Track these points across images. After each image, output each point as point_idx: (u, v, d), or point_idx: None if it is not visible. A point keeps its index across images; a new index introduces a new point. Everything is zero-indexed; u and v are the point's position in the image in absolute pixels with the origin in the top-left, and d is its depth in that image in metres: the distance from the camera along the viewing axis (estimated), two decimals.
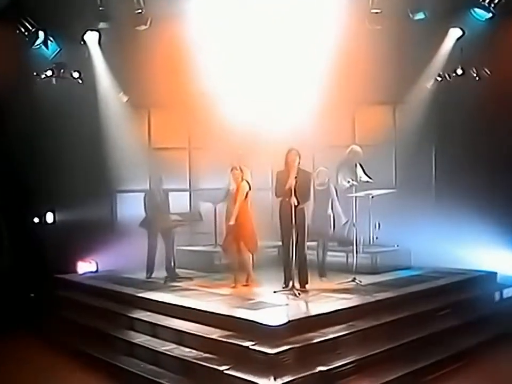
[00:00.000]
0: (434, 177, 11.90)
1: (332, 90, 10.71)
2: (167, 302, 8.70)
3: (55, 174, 11.11)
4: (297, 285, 8.84)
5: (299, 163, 8.66)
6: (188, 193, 12.28)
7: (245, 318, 7.61)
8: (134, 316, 8.63)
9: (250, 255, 9.34)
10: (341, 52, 10.60)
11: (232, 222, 9.12)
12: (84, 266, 11.60)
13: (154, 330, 8.19)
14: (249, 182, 9.38)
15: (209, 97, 10.90)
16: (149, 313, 8.62)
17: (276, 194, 8.85)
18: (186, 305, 8.40)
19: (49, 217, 11.64)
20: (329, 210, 9.75)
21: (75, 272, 11.45)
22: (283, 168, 8.74)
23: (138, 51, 10.91)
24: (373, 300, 8.50)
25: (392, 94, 11.61)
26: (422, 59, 11.43)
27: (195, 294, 9.16)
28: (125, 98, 11.77)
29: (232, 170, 9.39)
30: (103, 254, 11.23)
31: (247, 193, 9.22)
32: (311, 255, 9.63)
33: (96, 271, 11.50)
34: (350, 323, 7.77)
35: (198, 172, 12.19)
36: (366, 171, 10.80)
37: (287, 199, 8.56)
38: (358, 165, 10.59)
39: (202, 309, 8.18)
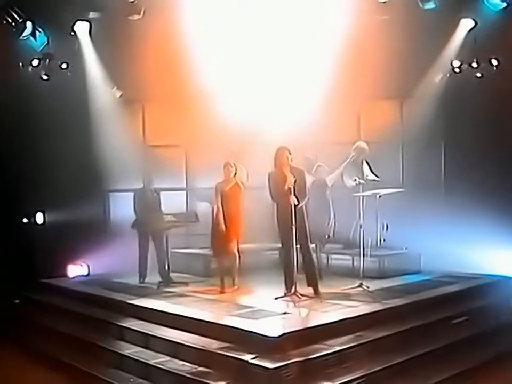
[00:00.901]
0: (444, 175, 11.39)
1: (336, 84, 10.27)
2: (160, 309, 8.09)
3: (45, 172, 10.66)
4: (300, 291, 8.24)
5: (291, 160, 8.18)
6: (184, 192, 11.80)
7: (244, 328, 6.99)
8: (124, 324, 8.01)
9: (237, 257, 8.81)
10: (345, 44, 10.12)
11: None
12: (75, 270, 11.08)
13: (146, 340, 7.56)
14: (244, 181, 9.04)
15: (206, 91, 10.57)
16: (140, 322, 8.01)
17: (272, 198, 8.31)
18: (180, 314, 7.81)
19: (39, 218, 11.19)
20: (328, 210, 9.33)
21: (65, 275, 10.91)
22: (274, 169, 8.24)
23: (131, 42, 10.38)
24: (382, 307, 7.89)
25: (399, 88, 11.04)
26: (432, 51, 10.90)
27: (190, 301, 8.58)
28: (118, 94, 11.29)
29: (225, 166, 8.85)
30: (95, 256, 10.70)
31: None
32: None
33: (88, 274, 10.98)
34: (358, 333, 7.16)
35: (195, 170, 11.68)
36: (372, 169, 10.25)
37: (286, 200, 8.02)
38: (364, 163, 10.04)
39: (197, 317, 7.58)
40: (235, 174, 8.85)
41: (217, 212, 8.73)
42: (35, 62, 10.34)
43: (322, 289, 8.57)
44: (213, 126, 10.84)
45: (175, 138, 11.49)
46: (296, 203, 8.00)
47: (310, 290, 8.40)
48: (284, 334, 6.68)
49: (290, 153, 8.17)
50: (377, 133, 11.00)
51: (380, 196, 9.41)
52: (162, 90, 10.61)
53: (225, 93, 10.72)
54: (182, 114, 11.27)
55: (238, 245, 8.84)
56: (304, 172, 8.34)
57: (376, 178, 9.90)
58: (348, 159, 9.93)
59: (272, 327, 6.94)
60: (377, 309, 7.81)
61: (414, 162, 11.25)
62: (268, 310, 7.79)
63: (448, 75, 10.99)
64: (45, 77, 10.44)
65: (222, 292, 8.89)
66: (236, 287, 8.93)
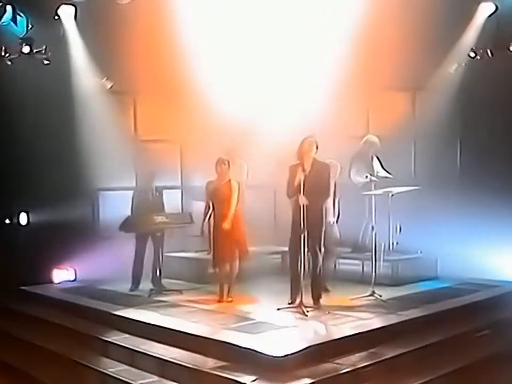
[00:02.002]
0: (460, 173, 10.65)
1: (343, 74, 9.59)
2: (149, 322, 7.24)
3: (30, 170, 9.89)
4: (306, 301, 7.46)
5: (316, 153, 7.48)
6: (179, 191, 11.02)
7: (242, 345, 6.16)
8: (109, 339, 7.15)
9: (237, 265, 8.11)
10: (353, 32, 9.50)
11: (227, 226, 7.91)
12: (61, 275, 10.23)
13: (132, 358, 6.72)
14: (244, 179, 8.53)
15: (203, 82, 9.80)
16: (126, 335, 7.16)
17: (287, 194, 7.57)
18: (171, 327, 6.97)
19: (23, 218, 10.38)
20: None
21: (50, 280, 10.09)
22: (296, 161, 7.50)
23: (121, 28, 9.53)
24: (397, 320, 7.09)
25: (411, 79, 10.34)
26: (447, 39, 10.12)
27: (183, 311, 7.77)
28: (109, 85, 10.45)
29: (217, 163, 8.07)
30: (83, 260, 9.87)
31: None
32: None
33: (74, 279, 10.17)
34: (372, 350, 6.37)
35: (190, 167, 10.93)
36: (383, 165, 9.60)
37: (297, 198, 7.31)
38: (374, 158, 9.31)
39: (190, 332, 6.76)
40: (227, 172, 8.10)
41: (204, 213, 8.12)
42: (15, 49, 9.42)
43: (330, 299, 7.92)
44: (210, 119, 10.15)
45: (169, 132, 10.72)
46: (306, 202, 7.22)
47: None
48: (290, 353, 5.88)
49: (317, 144, 7.46)
50: (388, 127, 10.30)
51: (392, 195, 8.64)
52: (155, 81, 9.92)
53: (223, 84, 10.05)
54: (177, 107, 10.51)
55: (242, 250, 8.10)
56: (329, 167, 7.62)
57: (388, 175, 9.26)
58: (356, 153, 9.26)
59: (275, 344, 6.17)
60: (393, 322, 7.02)
61: (427, 159, 10.56)
62: (270, 322, 7.03)
63: (464, 65, 10.24)
64: (25, 66, 9.51)
65: (220, 301, 8.14)
66: (230, 298, 8.17)
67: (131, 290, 8.94)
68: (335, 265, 9.34)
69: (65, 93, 9.89)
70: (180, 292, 8.74)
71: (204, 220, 8.15)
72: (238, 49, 9.94)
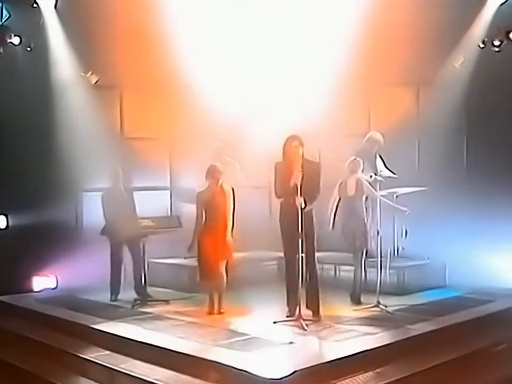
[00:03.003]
0: (467, 172, 10.03)
1: (343, 69, 9.17)
2: (131, 338, 6.52)
3: (7, 170, 9.44)
4: (304, 312, 6.86)
5: (302, 152, 6.98)
6: (167, 192, 10.43)
7: (234, 366, 5.47)
8: (86, 356, 6.44)
9: (224, 279, 7.50)
10: (353, 23, 9.00)
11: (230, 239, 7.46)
12: (41, 282, 9.58)
13: (112, 378, 6.07)
14: (238, 177, 8.24)
15: (194, 77, 9.35)
16: (106, 352, 6.48)
17: (276, 194, 7.11)
18: (156, 344, 6.25)
19: (1, 222, 9.83)
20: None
21: (30, 289, 9.45)
22: (282, 159, 7.08)
23: (106, 18, 9.00)
24: (407, 335, 6.40)
25: (415, 73, 9.80)
26: (454, 31, 9.51)
27: (170, 325, 7.09)
28: (94, 79, 9.92)
29: (209, 170, 7.50)
30: (65, 267, 9.28)
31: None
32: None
33: (56, 287, 9.50)
34: (378, 370, 5.72)
35: (180, 166, 10.35)
36: (386, 164, 9.00)
37: (291, 200, 6.76)
38: (378, 157, 8.77)
39: (176, 349, 6.05)
40: (219, 179, 7.50)
41: (195, 226, 7.45)
42: None
43: (330, 309, 7.31)
44: (202, 116, 9.75)
45: (157, 130, 10.23)
46: (303, 205, 6.71)
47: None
48: (287, 375, 5.20)
49: (302, 143, 6.96)
50: (390, 124, 9.75)
51: (397, 196, 8.26)
52: (143, 76, 9.48)
53: (214, 79, 9.56)
54: (165, 103, 10.15)
55: (230, 263, 7.54)
56: (320, 167, 7.13)
57: (392, 175, 8.64)
58: (358, 151, 8.57)
59: (270, 364, 5.52)
60: (402, 337, 6.32)
61: (431, 157, 9.93)
62: (266, 338, 6.36)
63: (471, 59, 9.71)
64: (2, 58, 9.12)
65: (210, 313, 7.47)
66: (222, 310, 7.54)
67: (112, 300, 8.35)
68: (335, 272, 8.99)
69: (44, 87, 9.36)
70: (166, 302, 8.12)
71: (195, 234, 7.46)
72: (231, 42, 9.51)
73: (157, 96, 10.00)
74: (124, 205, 8.38)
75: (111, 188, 8.62)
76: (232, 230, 7.52)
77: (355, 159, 7.94)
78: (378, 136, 8.85)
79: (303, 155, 6.93)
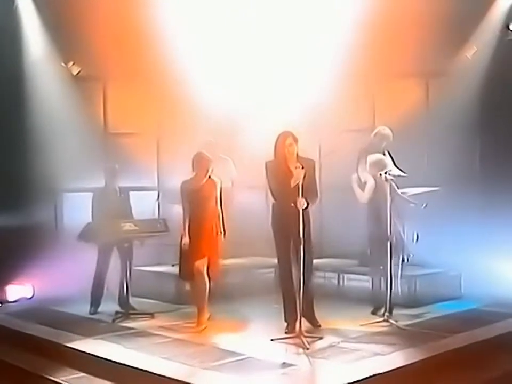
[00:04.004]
0: (480, 170, 9.55)
1: (345, 58, 8.82)
2: (109, 358, 5.81)
3: None
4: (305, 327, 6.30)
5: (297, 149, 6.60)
6: (155, 192, 9.83)
7: None
8: (58, 379, 5.74)
9: (206, 282, 6.91)
10: (358, 9, 8.64)
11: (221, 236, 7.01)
12: (16, 291, 8.95)
13: None
14: (232, 176, 7.96)
15: (183, 69, 9.04)
16: (81, 375, 5.79)
17: (273, 196, 6.64)
18: (137, 366, 5.54)
19: None
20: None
21: (4, 299, 8.83)
22: (274, 158, 6.68)
23: (88, 4, 8.73)
24: (422, 355, 5.65)
25: (425, 63, 9.38)
26: (468, 17, 9.03)
27: (154, 342, 6.40)
28: (76, 70, 9.51)
29: (195, 158, 7.04)
30: (43, 274, 8.67)
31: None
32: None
33: (32, 297, 8.87)
34: None
35: (169, 164, 9.82)
36: (395, 162, 8.32)
37: (289, 201, 6.26)
38: (386, 153, 8.14)
39: (161, 373, 5.34)
40: (209, 171, 7.05)
41: (183, 221, 6.98)
42: None
43: (334, 323, 6.74)
44: (192, 110, 9.36)
45: (144, 125, 9.85)
46: (304, 206, 6.21)
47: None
48: None
49: (296, 140, 6.54)
50: (397, 118, 9.23)
51: None
52: (128, 66, 9.15)
53: (206, 70, 9.19)
54: (153, 96, 9.73)
55: (213, 265, 6.95)
56: (314, 164, 6.69)
57: (402, 174, 7.97)
58: (365, 147, 8.11)
59: None
60: (417, 359, 5.58)
61: (442, 156, 9.40)
62: (262, 359, 5.71)
63: (485, 49, 9.25)
64: None
65: (202, 329, 6.82)
66: (203, 326, 6.84)
67: (91, 313, 7.74)
68: (339, 281, 8.36)
69: (21, 80, 8.85)
70: (150, 315, 7.47)
71: (185, 228, 6.94)
72: (224, 31, 9.13)
73: (143, 88, 9.62)
74: (119, 206, 7.85)
75: (105, 187, 8.08)
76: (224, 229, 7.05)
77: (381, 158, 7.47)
78: (387, 131, 8.33)
79: (297, 153, 6.51)
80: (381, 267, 7.04)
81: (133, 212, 8.04)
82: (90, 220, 7.81)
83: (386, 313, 6.73)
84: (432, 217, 8.34)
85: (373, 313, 7.17)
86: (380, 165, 7.34)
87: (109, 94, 9.88)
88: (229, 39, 9.09)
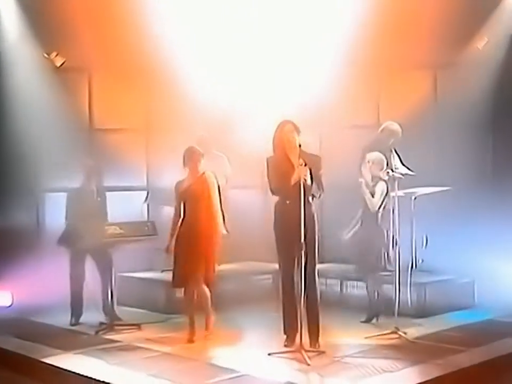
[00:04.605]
0: (493, 169, 9.37)
1: (348, 49, 8.67)
2: (90, 376, 5.43)
3: None
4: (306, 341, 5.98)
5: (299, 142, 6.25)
6: (144, 193, 9.61)
7: None
8: None
9: (207, 291, 6.66)
10: None
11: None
12: None
13: None
14: (226, 173, 7.77)
15: (175, 60, 8.84)
16: None
17: (272, 192, 6.32)
18: None
19: None
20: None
21: None
22: (273, 150, 6.42)
23: None
24: (436, 373, 5.30)
25: (433, 54, 9.20)
26: (480, 4, 8.91)
27: (140, 358, 6.04)
28: (59, 62, 9.28)
29: (185, 154, 6.78)
30: (23, 280, 8.43)
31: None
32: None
33: (11, 305, 8.55)
34: None
35: (159, 162, 9.66)
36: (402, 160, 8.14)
37: (292, 199, 5.98)
38: (393, 151, 7.85)
39: None
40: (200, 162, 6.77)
41: (172, 222, 6.76)
42: None
43: (337, 336, 6.48)
44: (184, 103, 9.13)
45: (132, 120, 9.70)
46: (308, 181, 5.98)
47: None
48: None
49: (298, 130, 6.18)
50: (402, 114, 9.04)
51: (415, 198, 7.45)
52: (115, 56, 8.99)
53: (200, 60, 9.09)
54: (142, 88, 9.56)
55: (210, 272, 6.64)
56: (320, 160, 6.33)
57: (409, 172, 7.82)
58: (370, 144, 7.92)
59: None
60: (431, 376, 5.24)
61: (451, 154, 9.28)
62: (259, 376, 5.39)
63: (499, 39, 9.06)
64: None
65: (190, 341, 6.52)
66: (209, 333, 6.64)
67: (72, 324, 7.46)
68: (341, 288, 8.20)
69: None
70: (138, 326, 7.18)
71: (173, 232, 6.69)
72: (220, 21, 9.01)
73: (132, 81, 9.44)
74: (95, 208, 7.60)
75: (80, 187, 7.85)
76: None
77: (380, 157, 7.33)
78: (395, 127, 8.17)
79: (300, 146, 6.15)
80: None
81: (118, 214, 7.80)
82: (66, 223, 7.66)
83: (395, 326, 6.42)
84: (442, 219, 8.30)
85: (366, 322, 7.06)
86: (379, 164, 7.24)
87: (95, 87, 9.69)
88: (225, 29, 8.97)
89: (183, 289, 6.71)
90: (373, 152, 7.45)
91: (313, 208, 6.17)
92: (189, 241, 6.51)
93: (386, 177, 7.01)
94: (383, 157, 7.33)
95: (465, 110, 8.99)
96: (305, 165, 5.85)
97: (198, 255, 6.49)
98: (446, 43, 9.02)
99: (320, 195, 6.21)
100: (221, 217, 6.66)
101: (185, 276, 6.51)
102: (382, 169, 7.10)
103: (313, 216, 6.13)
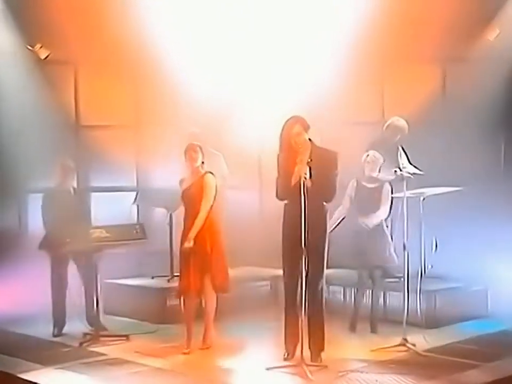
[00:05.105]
0: (505, 170, 9.19)
1: (351, 41, 8.57)
2: None
3: None
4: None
5: (310, 140, 6.03)
6: (133, 193, 9.37)
7: None
8: None
9: (215, 299, 6.60)
10: None
11: (189, 244, 6.40)
12: None
13: None
14: (223, 173, 7.56)
15: (166, 50, 8.78)
16: None
17: (276, 194, 6.16)
18: None
19: None
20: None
21: None
22: (280, 151, 6.19)
23: None
24: None
25: (441, 47, 9.02)
26: None
27: (128, 373, 5.83)
28: (44, 54, 9.14)
29: (187, 151, 6.65)
30: (3, 287, 8.31)
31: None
32: None
33: None
34: None
35: (149, 161, 9.56)
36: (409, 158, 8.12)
37: (295, 201, 5.77)
38: (400, 149, 7.82)
39: None
40: (202, 164, 6.65)
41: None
42: None
43: (340, 349, 6.24)
44: (177, 98, 9.07)
45: (121, 116, 9.60)
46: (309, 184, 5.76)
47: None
48: None
49: (305, 126, 5.96)
50: (408, 110, 8.90)
51: (424, 199, 7.10)
52: (103, 49, 8.87)
53: (194, 52, 9.00)
54: (131, 83, 9.50)
55: (218, 278, 6.53)
56: (336, 157, 6.11)
57: (417, 171, 7.71)
58: (376, 141, 7.86)
59: None
60: None
61: (460, 152, 9.15)
62: None
63: (510, 30, 8.88)
64: None
65: (185, 353, 6.33)
66: (207, 345, 6.50)
67: (54, 335, 7.26)
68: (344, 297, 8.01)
69: None
70: (126, 337, 6.98)
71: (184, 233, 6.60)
72: (214, 12, 8.94)
73: (120, 75, 9.37)
74: (73, 209, 7.40)
75: (56, 187, 7.74)
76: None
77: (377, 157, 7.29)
78: (402, 123, 8.09)
79: (311, 141, 5.96)
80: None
81: (106, 216, 7.72)
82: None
83: (403, 338, 6.21)
84: (453, 221, 8.17)
85: (351, 330, 6.99)
86: (374, 165, 7.20)
87: (81, 81, 9.56)
88: (221, 21, 8.92)
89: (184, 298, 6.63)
90: (375, 150, 7.36)
91: (325, 211, 5.98)
92: (188, 249, 6.40)
93: (393, 177, 6.86)
94: (380, 156, 7.27)
95: (475, 106, 8.85)
96: (310, 162, 5.66)
97: (199, 264, 6.38)
98: (455, 35, 8.90)
99: (328, 199, 6.01)
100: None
101: (188, 285, 6.37)
102: (378, 169, 7.09)
103: (324, 221, 5.96)
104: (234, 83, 9.21)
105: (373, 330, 7.02)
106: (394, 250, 7.20)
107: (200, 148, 6.64)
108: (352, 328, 7.03)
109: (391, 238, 7.35)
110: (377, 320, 7.06)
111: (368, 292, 7.27)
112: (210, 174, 6.67)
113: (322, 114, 9.30)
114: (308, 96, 8.83)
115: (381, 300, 7.37)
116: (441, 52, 9.28)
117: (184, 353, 6.28)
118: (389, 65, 9.53)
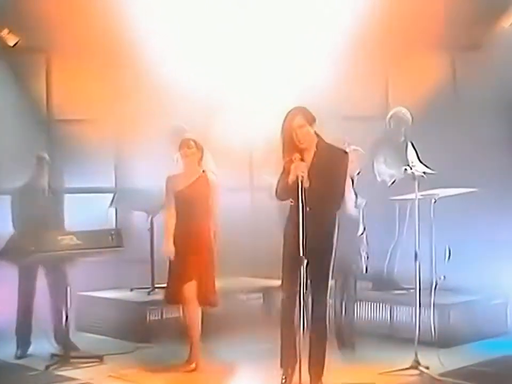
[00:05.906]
0: None
1: (352, 29, 8.58)
2: None
3: None
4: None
5: (315, 133, 5.67)
6: (111, 195, 9.20)
7: None
8: None
9: (200, 314, 6.44)
10: None
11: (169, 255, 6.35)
12: None
13: None
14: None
15: (148, 37, 8.72)
16: None
17: (276, 194, 5.86)
18: None
19: None
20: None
21: None
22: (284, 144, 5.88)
23: None
24: None
25: (451, 35, 9.03)
26: None
27: None
28: (13, 40, 8.97)
29: (182, 145, 6.49)
30: None
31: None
32: None
33: None
34: None
35: (129, 160, 9.44)
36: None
37: (294, 203, 5.58)
38: (409, 144, 7.84)
39: None
40: (200, 160, 6.54)
41: (165, 228, 6.53)
42: None
43: (341, 372, 5.86)
44: (159, 90, 8.93)
45: (98, 109, 9.28)
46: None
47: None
48: None
49: (310, 119, 5.59)
50: (415, 103, 8.82)
51: (435, 201, 6.83)
52: (79, 35, 8.70)
53: (178, 40, 8.87)
54: (110, 73, 9.21)
55: (206, 288, 6.40)
56: (345, 158, 5.78)
57: (428, 170, 7.60)
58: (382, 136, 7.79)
59: None
60: None
61: (471, 149, 8.95)
62: None
63: None
64: None
65: (193, 369, 6.17)
66: (192, 365, 6.22)
67: (17, 357, 6.92)
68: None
69: None
70: (99, 358, 6.65)
71: (168, 235, 6.47)
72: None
73: (98, 64, 9.10)
74: (47, 211, 7.16)
75: (27, 185, 7.47)
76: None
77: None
78: (403, 113, 7.99)
79: (318, 136, 5.63)
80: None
81: (80, 220, 7.37)
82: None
83: (414, 360, 5.89)
84: (468, 227, 8.07)
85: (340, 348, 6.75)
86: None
87: (55, 71, 9.37)
88: (210, 12, 8.82)
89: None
90: (381, 146, 7.30)
91: (332, 219, 5.62)
92: (181, 250, 6.29)
93: (403, 176, 6.73)
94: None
95: (487, 99, 8.77)
96: (314, 159, 5.38)
97: (190, 270, 6.28)
98: (466, 22, 8.83)
99: (335, 203, 5.64)
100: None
101: (177, 294, 6.28)
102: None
103: (329, 229, 5.62)
104: (225, 76, 9.14)
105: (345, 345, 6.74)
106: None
107: (195, 142, 6.45)
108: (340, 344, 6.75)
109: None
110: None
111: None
112: (211, 172, 6.59)
113: (323, 107, 9.18)
114: (306, 90, 8.71)
115: (387, 315, 7.17)
116: (451, 40, 9.23)
117: (192, 370, 6.06)
118: (394, 54, 9.33)
